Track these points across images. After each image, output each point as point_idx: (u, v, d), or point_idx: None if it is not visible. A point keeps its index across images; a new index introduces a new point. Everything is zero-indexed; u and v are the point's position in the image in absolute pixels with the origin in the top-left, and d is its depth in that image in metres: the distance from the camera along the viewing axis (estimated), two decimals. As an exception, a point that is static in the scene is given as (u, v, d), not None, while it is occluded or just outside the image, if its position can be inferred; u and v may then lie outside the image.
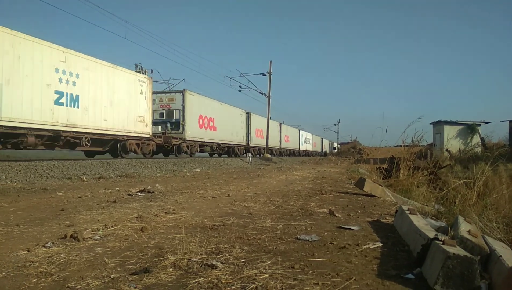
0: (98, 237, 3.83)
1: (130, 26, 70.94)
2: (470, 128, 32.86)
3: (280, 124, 46.82)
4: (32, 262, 3.01)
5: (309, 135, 65.59)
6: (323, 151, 75.08)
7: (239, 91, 37.47)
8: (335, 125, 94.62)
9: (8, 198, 7.07)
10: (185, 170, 16.80)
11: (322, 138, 73.80)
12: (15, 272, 2.79)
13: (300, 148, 58.70)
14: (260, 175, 14.06)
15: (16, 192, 7.97)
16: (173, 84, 28.06)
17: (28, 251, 3.36)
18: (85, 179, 11.06)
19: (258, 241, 3.69)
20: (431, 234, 3.06)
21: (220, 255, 3.14)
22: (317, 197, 7.38)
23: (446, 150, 25.65)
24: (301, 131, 59.42)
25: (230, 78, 36.35)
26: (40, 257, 3.14)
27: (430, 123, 34.16)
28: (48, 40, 13.36)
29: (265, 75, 37.04)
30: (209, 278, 2.58)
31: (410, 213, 4.12)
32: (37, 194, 7.78)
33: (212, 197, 7.30)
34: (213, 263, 2.88)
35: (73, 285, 2.52)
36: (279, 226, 4.39)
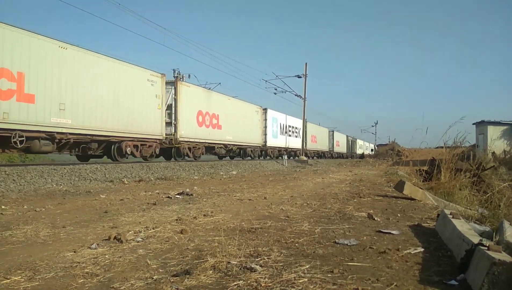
0: (140, 239, 3.94)
1: (168, 32, 72.41)
2: None
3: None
4: (79, 263, 3.15)
5: (361, 142, 68.20)
6: (361, 153, 74.17)
7: (275, 93, 37.48)
8: (372, 126, 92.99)
9: (54, 200, 7.39)
10: (221, 173, 16.99)
11: (356, 139, 74.52)
12: (63, 272, 2.92)
13: (357, 152, 62.29)
14: (296, 178, 14.01)
15: (62, 195, 8.32)
16: (209, 88, 27.80)
17: (74, 252, 3.52)
18: (126, 182, 11.40)
19: (296, 244, 3.69)
20: (475, 239, 2.98)
21: (259, 258, 3.17)
22: (355, 200, 7.29)
23: (492, 153, 24.66)
24: (357, 139, 61.27)
25: (266, 81, 36.39)
26: (86, 258, 3.28)
27: (473, 124, 33.01)
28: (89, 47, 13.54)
29: (300, 77, 36.95)
30: (249, 281, 2.61)
31: (452, 217, 4.01)
32: (81, 196, 8.10)
33: (249, 199, 7.35)
34: (252, 266, 2.91)
35: (117, 285, 2.62)
36: (317, 230, 4.38)
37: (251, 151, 29.18)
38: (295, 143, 37.11)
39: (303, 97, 37.30)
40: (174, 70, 21.10)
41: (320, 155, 47.94)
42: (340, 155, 58.43)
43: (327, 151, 51.11)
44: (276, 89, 37.22)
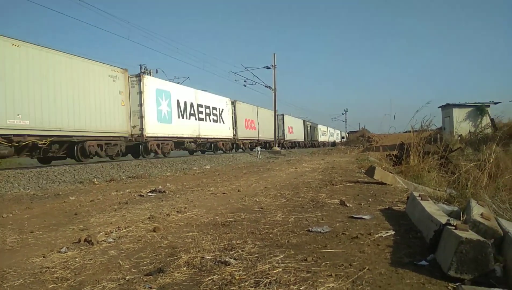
0: (111, 240, 3.87)
1: (132, 26, 70.97)
2: (479, 110, 32.52)
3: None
4: (48, 268, 3.06)
5: (325, 128, 67.41)
6: (332, 141, 74.83)
7: (244, 86, 37.41)
8: (342, 114, 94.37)
9: (22, 205, 7.16)
10: (195, 168, 16.87)
11: (317, 125, 73.26)
12: (32, 279, 2.84)
13: (319, 140, 60.12)
14: (270, 169, 14.06)
15: (30, 199, 8.07)
16: (178, 82, 27.29)
17: (43, 257, 3.41)
18: (96, 182, 11.16)
19: (270, 235, 3.70)
20: (443, 219, 3.05)
21: (233, 252, 3.16)
22: (327, 188, 7.37)
23: (459, 135, 25.40)
24: (319, 125, 60.32)
25: (235, 73, 36.22)
26: (56, 263, 3.19)
27: (439, 107, 33.91)
28: (48, 45, 13.12)
29: (269, 68, 36.96)
30: (223, 275, 2.59)
31: (421, 199, 4.10)
32: (50, 199, 7.87)
33: (223, 193, 7.33)
34: (226, 259, 2.90)
35: (89, 288, 2.56)
36: (290, 219, 4.40)
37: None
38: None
39: (273, 88, 37.36)
40: (140, 66, 20.84)
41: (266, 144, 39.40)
42: (295, 144, 48.89)
43: (272, 140, 38.00)
44: (245, 81, 37.18)
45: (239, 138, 31.42)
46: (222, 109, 28.60)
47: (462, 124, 30.27)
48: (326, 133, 71.66)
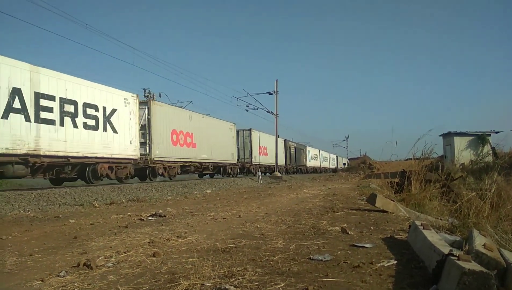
0: (111, 264, 3.83)
1: (137, 52, 72.05)
2: (480, 139, 32.59)
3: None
4: (47, 292, 3.03)
5: (316, 151, 64.53)
6: (333, 167, 74.55)
7: (247, 110, 37.69)
8: (344, 140, 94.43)
9: (21, 227, 7.12)
10: (195, 192, 16.82)
11: (306, 147, 71.84)
12: (30, 303, 2.80)
13: (308, 165, 56.78)
14: (271, 194, 14.01)
15: (29, 221, 8.03)
16: (181, 106, 27.36)
17: (42, 281, 3.38)
18: (97, 205, 11.11)
19: (271, 262, 3.67)
20: (446, 249, 3.03)
21: (233, 279, 3.13)
22: (328, 215, 7.33)
23: (461, 164, 25.38)
24: (307, 147, 58.33)
25: (237, 98, 36.58)
26: (54, 287, 3.16)
27: (440, 135, 34.00)
28: (54, 69, 13.57)
29: (271, 94, 37.29)
30: (223, 303, 2.56)
31: (423, 229, 4.08)
32: (50, 222, 7.83)
33: (224, 218, 7.29)
34: (226, 287, 2.87)
35: (87, 314, 2.52)
36: (291, 247, 4.37)
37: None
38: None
39: (275, 113, 37.60)
40: (144, 90, 21.09)
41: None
42: (267, 169, 38.42)
43: (229, 164, 30.39)
44: (248, 106, 37.47)
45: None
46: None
47: (463, 153, 30.26)
48: (318, 157, 65.19)
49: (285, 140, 45.23)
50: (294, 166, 49.46)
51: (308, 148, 58.47)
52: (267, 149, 37.82)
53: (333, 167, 76.49)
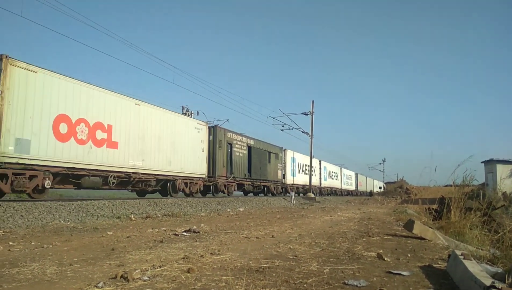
0: (146, 278, 3.91)
1: (177, 70, 74.03)
2: None
3: (320, 161, 43.98)
4: (86, 301, 3.12)
5: (351, 173, 63.46)
6: (369, 190, 72.96)
7: (282, 130, 37.73)
8: (380, 164, 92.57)
9: (61, 237, 7.38)
10: (228, 210, 16.89)
11: (366, 177, 70.11)
12: (70, 311, 2.90)
13: (342, 187, 55.92)
14: (304, 216, 13.88)
15: (69, 231, 8.30)
16: (217, 125, 27.55)
17: (81, 290, 3.49)
18: (133, 218, 11.36)
19: (305, 285, 3.64)
20: (488, 281, 2.92)
21: (267, 299, 3.12)
22: (364, 239, 7.19)
23: (503, 193, 24.36)
24: (343, 169, 57.31)
25: (273, 118, 36.70)
26: (93, 297, 3.25)
27: (482, 162, 32.85)
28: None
29: (307, 114, 37.23)
30: (257, 323, 2.56)
31: (464, 258, 3.95)
32: (88, 233, 8.08)
33: (257, 238, 7.29)
34: (260, 307, 2.87)
35: (124, 326, 2.58)
36: (325, 270, 4.31)
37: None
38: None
39: (310, 134, 37.48)
40: (183, 107, 21.54)
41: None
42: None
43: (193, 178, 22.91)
44: (283, 126, 37.50)
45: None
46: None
47: (505, 181, 29.06)
48: (317, 171, 44.23)
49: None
50: (328, 188, 48.31)
51: (290, 153, 55.34)
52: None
53: (369, 190, 75.04)
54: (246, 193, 28.87)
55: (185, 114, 21.30)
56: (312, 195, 34.33)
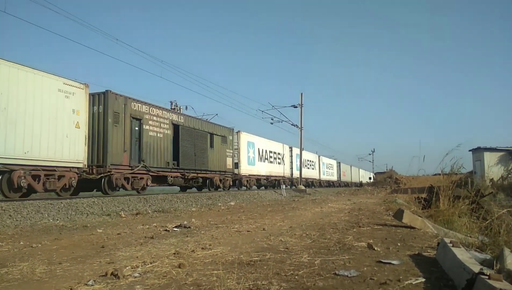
0: (137, 274, 3.89)
1: (165, 65, 73.43)
2: (511, 154, 31.74)
3: (291, 148, 38.36)
4: (76, 300, 3.09)
5: (332, 162, 57.77)
6: (354, 181, 72.47)
7: (271, 123, 37.75)
8: (369, 154, 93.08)
9: (51, 236, 7.31)
10: (219, 204, 16.88)
11: (351, 166, 66.97)
12: (60, 310, 2.87)
13: (321, 178, 50.85)
14: (295, 208, 13.93)
15: (58, 230, 8.23)
16: (206, 119, 26.74)
17: (71, 289, 3.46)
18: (123, 215, 11.30)
19: (296, 277, 3.64)
20: (476, 268, 2.95)
21: (258, 292, 3.12)
22: (354, 230, 7.24)
23: (491, 179, 24.71)
24: (322, 157, 52.18)
25: (262, 111, 36.67)
26: (83, 295, 3.22)
27: (469, 150, 33.24)
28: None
29: (296, 107, 37.30)
30: (248, 316, 2.56)
31: (453, 246, 3.99)
32: (78, 231, 8.01)
33: (248, 231, 7.29)
34: (252, 300, 2.87)
35: (115, 323, 2.56)
36: (316, 261, 4.33)
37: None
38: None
39: (299, 126, 37.55)
40: (171, 102, 21.39)
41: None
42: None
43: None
44: (272, 119, 37.51)
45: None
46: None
47: (493, 169, 29.47)
48: (287, 159, 38.34)
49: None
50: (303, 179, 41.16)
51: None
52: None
53: (359, 181, 75.22)
54: (186, 188, 22.96)
55: (174, 109, 21.08)
56: (303, 188, 34.47)
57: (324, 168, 52.63)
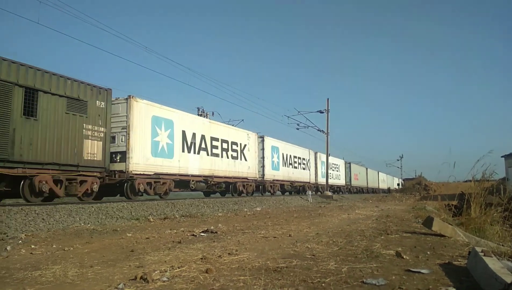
0: (165, 279, 3.96)
1: (191, 72, 74.37)
2: None
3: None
4: (107, 303, 3.18)
5: (338, 162, 48.87)
6: (374, 187, 70.43)
7: (297, 129, 37.61)
8: (397, 160, 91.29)
9: (82, 239, 7.51)
10: (245, 209, 16.94)
11: (367, 168, 63.54)
12: (92, 312, 2.95)
13: (347, 184, 48.44)
14: (321, 214, 13.83)
15: (89, 234, 8.44)
16: (233, 124, 26.79)
17: (102, 292, 3.55)
18: (151, 220, 11.49)
19: (323, 284, 3.63)
20: (508, 278, 2.88)
21: (285, 299, 3.13)
22: (382, 237, 7.13)
23: None
24: (349, 164, 49.80)
25: (288, 116, 36.58)
26: (114, 298, 3.31)
27: (502, 156, 32.26)
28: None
29: (322, 112, 37.06)
30: (275, 323, 2.57)
31: (484, 255, 3.89)
32: (108, 235, 8.20)
33: (274, 237, 7.30)
34: (278, 307, 2.88)
35: (145, 327, 2.62)
36: (343, 269, 4.30)
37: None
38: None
39: (326, 132, 37.30)
40: (198, 108, 21.67)
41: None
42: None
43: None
44: (298, 125, 37.37)
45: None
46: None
47: (528, 175, 28.50)
48: (252, 154, 26.48)
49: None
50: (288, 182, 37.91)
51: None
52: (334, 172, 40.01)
53: (387, 187, 73.69)
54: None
55: (201, 115, 21.40)
56: (329, 194, 34.12)
57: (350, 174, 50.91)
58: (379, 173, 70.50)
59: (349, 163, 50.19)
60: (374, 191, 62.85)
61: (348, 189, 48.77)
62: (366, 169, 60.97)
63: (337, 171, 45.06)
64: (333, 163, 42.99)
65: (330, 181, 38.98)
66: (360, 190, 54.50)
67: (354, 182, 52.00)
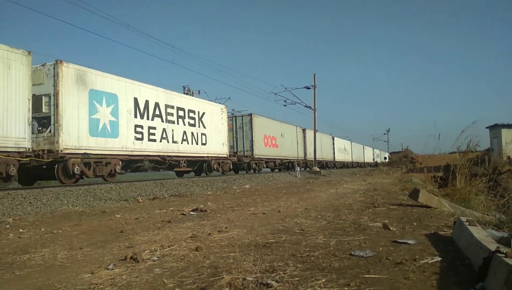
0: (156, 258, 3.97)
1: (176, 50, 73.24)
2: None
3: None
4: (96, 284, 3.18)
5: (346, 144, 54.44)
6: (374, 161, 71.78)
7: (284, 106, 37.56)
8: (384, 134, 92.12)
9: (71, 222, 7.47)
10: (234, 187, 17.01)
11: (351, 141, 63.38)
12: (82, 294, 2.96)
13: (335, 159, 49.34)
14: (310, 190, 13.95)
15: (78, 216, 8.41)
16: (220, 102, 26.15)
17: (92, 273, 3.55)
18: (140, 200, 11.47)
19: (312, 258, 3.68)
20: (493, 246, 2.94)
21: (275, 274, 3.16)
22: (369, 210, 7.23)
23: (508, 157, 24.32)
24: (335, 138, 50.20)
25: (275, 93, 36.49)
26: (104, 279, 3.31)
27: (486, 127, 32.77)
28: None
29: (309, 88, 37.04)
30: (265, 297, 2.60)
31: (469, 225, 3.97)
32: (97, 217, 8.17)
33: (263, 213, 7.35)
34: (268, 282, 2.91)
35: (136, 306, 2.64)
36: (332, 242, 4.36)
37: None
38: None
39: (313, 108, 37.33)
40: (184, 87, 21.43)
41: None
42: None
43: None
44: (285, 101, 37.30)
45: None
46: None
47: (510, 145, 28.99)
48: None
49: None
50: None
51: (336, 139, 49.75)
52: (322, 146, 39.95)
53: (374, 161, 74.52)
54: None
55: (187, 94, 21.15)
56: (317, 169, 34.44)
57: (338, 149, 51.39)
58: (365, 147, 71.05)
59: (333, 137, 50.14)
60: (360, 165, 63.45)
61: (334, 165, 49.12)
62: (351, 142, 61.26)
63: (325, 146, 45.39)
64: (321, 139, 43.25)
65: (318, 157, 39.19)
66: (345, 165, 54.79)
67: (339, 156, 52.23)
